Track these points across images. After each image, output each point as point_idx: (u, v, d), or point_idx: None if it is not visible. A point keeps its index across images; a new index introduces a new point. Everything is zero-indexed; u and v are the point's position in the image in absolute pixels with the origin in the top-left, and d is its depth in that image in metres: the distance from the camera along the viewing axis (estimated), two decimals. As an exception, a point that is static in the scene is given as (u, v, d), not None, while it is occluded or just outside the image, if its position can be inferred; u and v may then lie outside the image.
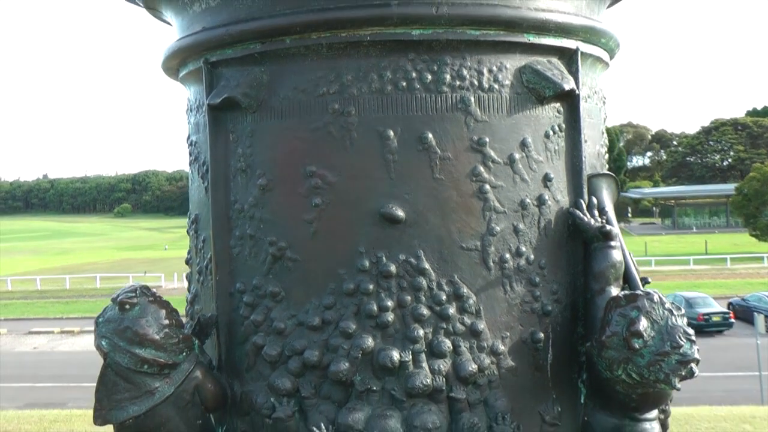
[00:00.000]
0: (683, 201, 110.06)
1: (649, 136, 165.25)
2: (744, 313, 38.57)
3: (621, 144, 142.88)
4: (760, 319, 27.52)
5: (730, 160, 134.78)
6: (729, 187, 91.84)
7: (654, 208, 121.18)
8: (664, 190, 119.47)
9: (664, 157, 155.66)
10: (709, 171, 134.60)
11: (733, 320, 38.43)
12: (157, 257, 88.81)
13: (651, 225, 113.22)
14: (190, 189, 3.62)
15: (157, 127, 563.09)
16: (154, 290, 3.08)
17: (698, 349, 2.77)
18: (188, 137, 3.59)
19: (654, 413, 3.07)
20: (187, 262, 3.68)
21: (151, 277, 61.01)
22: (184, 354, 2.99)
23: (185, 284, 3.79)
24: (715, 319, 38.27)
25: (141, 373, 2.92)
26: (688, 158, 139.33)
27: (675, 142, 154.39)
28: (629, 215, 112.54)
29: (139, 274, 64.83)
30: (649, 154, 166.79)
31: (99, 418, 2.99)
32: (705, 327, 38.02)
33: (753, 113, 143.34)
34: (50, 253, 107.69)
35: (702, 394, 27.04)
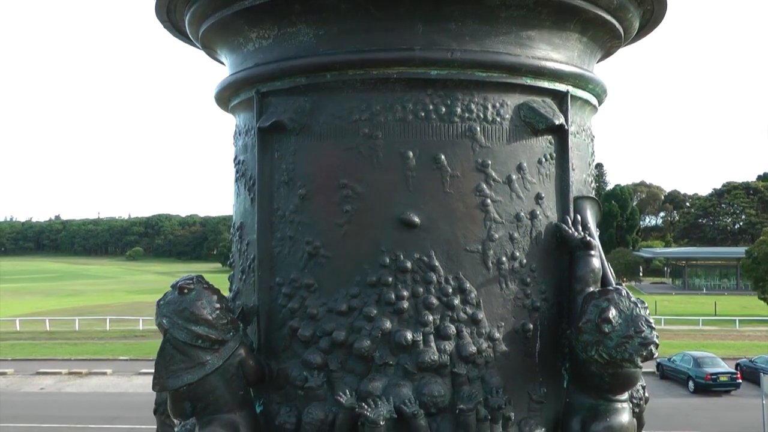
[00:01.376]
0: (694, 262, 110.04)
1: (662, 197, 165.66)
2: (751, 374, 38.42)
3: (634, 203, 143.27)
4: (766, 380, 27.57)
5: (741, 223, 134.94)
6: (739, 251, 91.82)
7: (665, 268, 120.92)
8: (675, 250, 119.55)
9: (677, 217, 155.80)
10: (720, 233, 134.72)
11: (740, 381, 38.31)
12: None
13: (661, 285, 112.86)
14: (235, 202, 4.21)
15: (170, 171, 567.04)
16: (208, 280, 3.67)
17: (657, 335, 3.32)
18: (235, 157, 4.20)
19: (625, 396, 3.62)
20: (230, 264, 4.27)
21: (162, 321, 60.64)
22: (231, 333, 3.55)
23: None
24: (723, 379, 38.19)
25: (195, 347, 3.48)
26: (700, 220, 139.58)
27: (688, 204, 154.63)
28: (640, 274, 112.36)
29: (149, 318, 64.63)
30: (661, 214, 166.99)
31: (157, 385, 3.54)
32: (713, 386, 37.97)
33: (764, 178, 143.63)
34: (60, 294, 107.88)
35: (708, 452, 27.10)
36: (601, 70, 4.34)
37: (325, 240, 3.59)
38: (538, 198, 3.69)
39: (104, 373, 44.94)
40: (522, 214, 3.63)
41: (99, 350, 53.28)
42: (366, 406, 3.29)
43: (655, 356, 3.32)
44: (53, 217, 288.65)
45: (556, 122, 3.68)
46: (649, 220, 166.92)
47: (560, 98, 3.80)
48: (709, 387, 38.00)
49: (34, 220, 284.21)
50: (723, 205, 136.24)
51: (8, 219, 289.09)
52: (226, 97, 4.21)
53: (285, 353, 3.67)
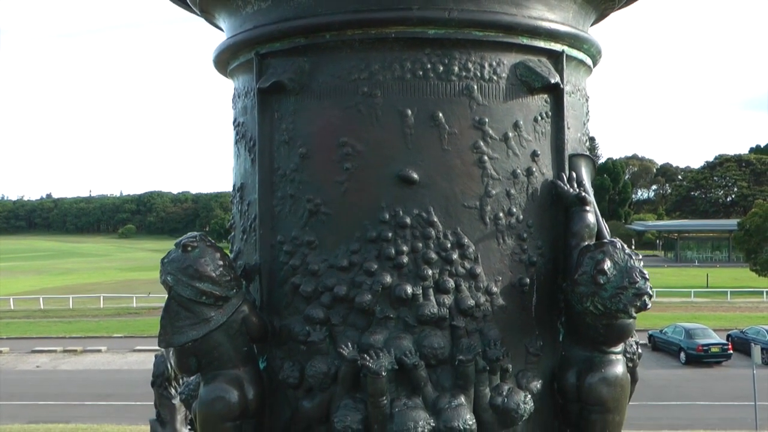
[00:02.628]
0: (686, 235, 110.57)
1: (655, 170, 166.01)
2: (742, 345, 38.86)
3: (626, 177, 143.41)
4: (756, 350, 27.92)
5: (733, 196, 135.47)
6: (731, 223, 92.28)
7: (657, 241, 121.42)
8: (667, 223, 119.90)
9: (669, 190, 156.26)
10: (712, 206, 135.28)
11: (731, 352, 38.75)
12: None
13: (654, 257, 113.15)
14: (235, 164, 4.26)
15: (162, 148, 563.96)
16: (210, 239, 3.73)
17: (651, 287, 3.40)
18: (234, 120, 4.24)
19: (619, 348, 3.71)
20: (230, 227, 4.33)
21: (155, 298, 60.23)
22: (235, 290, 3.62)
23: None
24: (714, 350, 38.65)
25: (199, 303, 3.54)
26: (692, 193, 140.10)
27: (680, 177, 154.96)
28: (633, 247, 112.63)
29: (142, 295, 64.81)
30: (654, 187, 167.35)
31: (163, 342, 3.61)
32: (704, 357, 38.43)
33: (756, 150, 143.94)
34: (53, 272, 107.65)
35: (699, 421, 27.39)
36: (595, 35, 4.38)
37: (326, 197, 3.65)
38: (534, 155, 3.75)
39: (99, 351, 45.14)
40: (518, 170, 3.70)
41: (93, 328, 53.42)
42: (368, 358, 3.36)
43: (648, 307, 3.40)
44: (45, 196, 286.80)
45: (552, 81, 3.74)
46: (642, 194, 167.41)
47: (556, 58, 3.85)
48: (700, 358, 38.46)
49: (25, 198, 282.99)
50: (715, 178, 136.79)
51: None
52: (224, 60, 4.24)
53: (287, 309, 3.74)
